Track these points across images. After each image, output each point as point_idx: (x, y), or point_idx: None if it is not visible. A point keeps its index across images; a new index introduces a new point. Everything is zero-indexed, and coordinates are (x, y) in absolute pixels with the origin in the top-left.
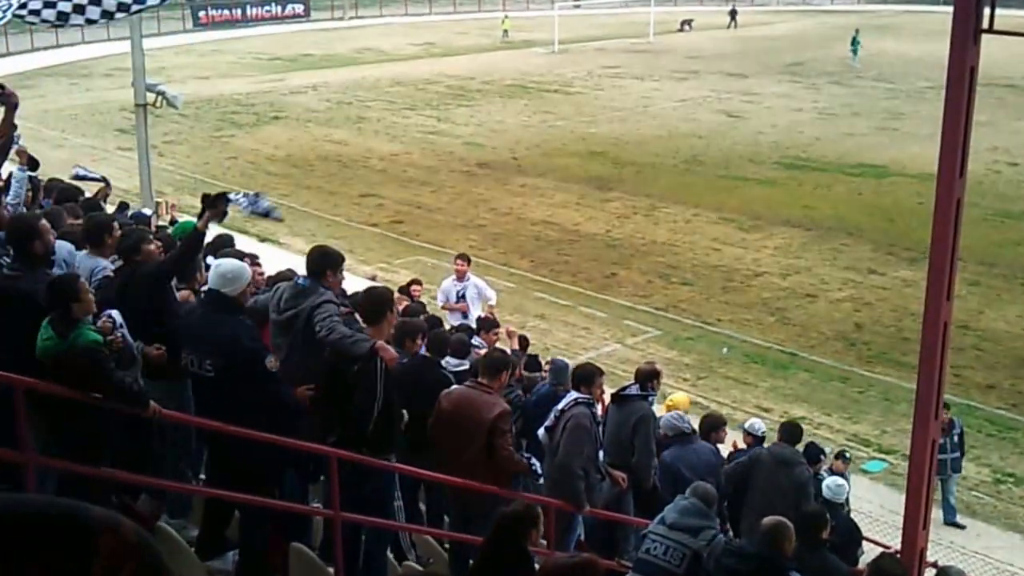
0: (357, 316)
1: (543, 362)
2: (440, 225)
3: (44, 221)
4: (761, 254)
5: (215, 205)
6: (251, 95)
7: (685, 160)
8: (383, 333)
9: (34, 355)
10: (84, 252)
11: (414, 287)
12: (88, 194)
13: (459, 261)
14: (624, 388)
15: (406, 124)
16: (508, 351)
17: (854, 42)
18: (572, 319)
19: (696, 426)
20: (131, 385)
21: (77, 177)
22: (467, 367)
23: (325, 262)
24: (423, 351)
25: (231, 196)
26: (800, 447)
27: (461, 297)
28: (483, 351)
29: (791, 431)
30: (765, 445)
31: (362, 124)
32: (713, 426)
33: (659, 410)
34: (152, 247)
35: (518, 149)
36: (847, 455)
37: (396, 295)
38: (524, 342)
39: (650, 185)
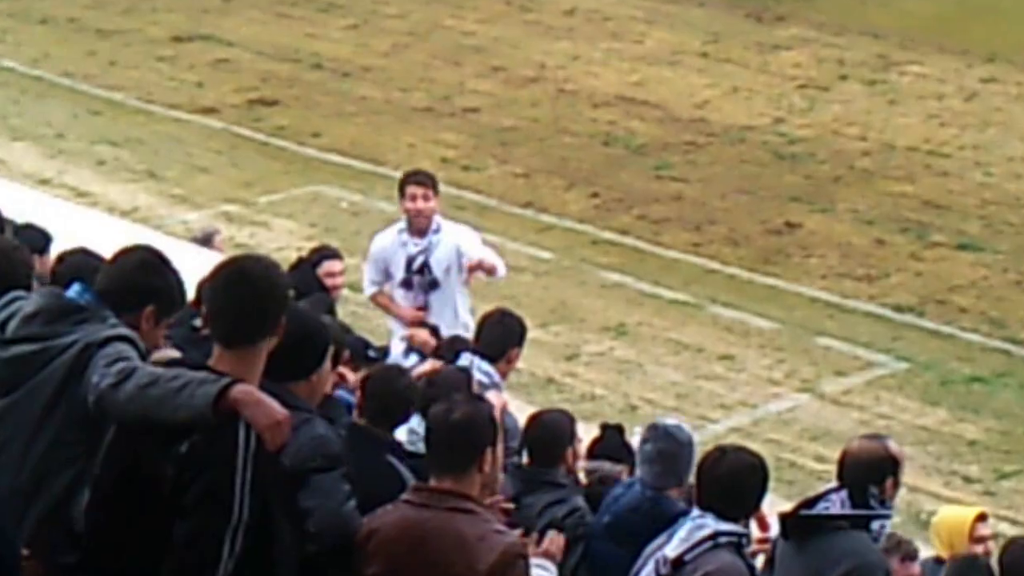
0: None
1: (632, 433)
2: (370, 109)
3: None
4: None
5: None
6: None
7: None
8: (254, 370)
9: None
10: None
11: (327, 267)
12: None
13: (414, 188)
14: (812, 500)
15: None
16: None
17: None
18: (692, 333)
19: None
20: None
21: None
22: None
23: (147, 290)
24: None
25: None
26: None
27: (420, 271)
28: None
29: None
30: None
31: None
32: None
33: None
34: None
35: None
36: None
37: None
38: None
39: (879, 7)
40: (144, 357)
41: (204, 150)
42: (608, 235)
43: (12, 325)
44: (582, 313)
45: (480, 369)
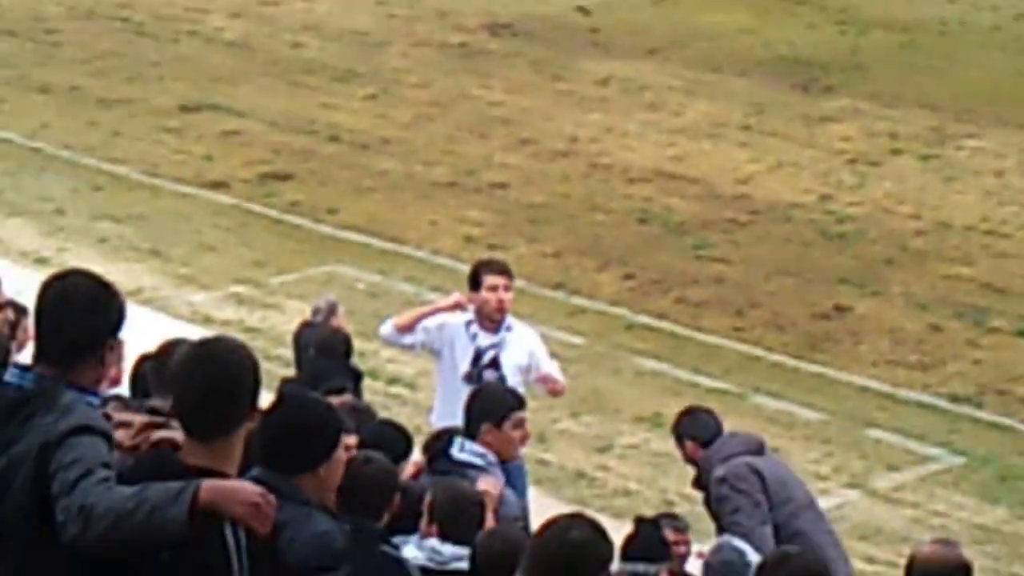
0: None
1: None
2: (389, 185)
3: None
4: None
5: None
6: None
7: (1022, 15)
8: (230, 460)
9: None
10: None
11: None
12: None
13: (493, 279)
14: None
15: None
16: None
17: None
18: (733, 423)
19: None
20: None
21: None
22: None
23: (92, 326)
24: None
25: None
26: None
27: (490, 366)
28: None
29: None
30: None
31: None
32: None
33: None
34: None
35: None
36: None
37: None
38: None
39: (935, 80)
40: (110, 437)
41: (212, 227)
42: (644, 319)
43: None
44: (616, 402)
45: (472, 451)
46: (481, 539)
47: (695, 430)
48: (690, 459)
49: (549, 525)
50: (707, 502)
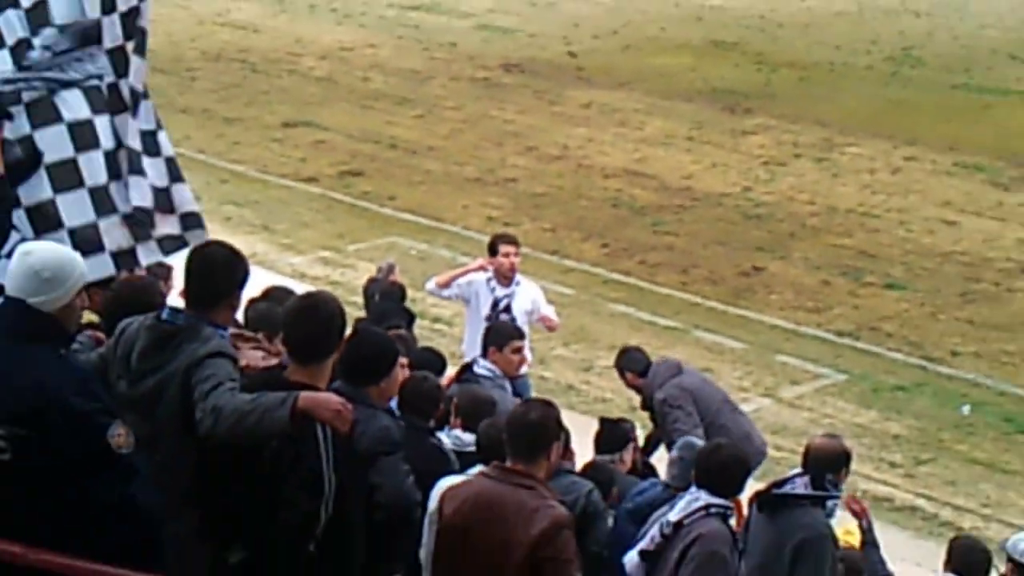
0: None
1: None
2: (433, 179)
3: None
4: None
5: None
6: None
7: (890, 58)
8: (323, 378)
9: None
10: None
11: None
12: None
13: (506, 248)
14: (781, 483)
15: None
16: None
17: None
18: (680, 352)
19: None
20: None
21: None
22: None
23: (225, 280)
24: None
25: None
26: None
27: (504, 311)
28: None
29: (965, 554)
30: None
31: None
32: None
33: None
34: None
35: (578, 38)
36: None
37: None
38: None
39: (824, 104)
40: (236, 360)
41: (306, 209)
42: (615, 276)
43: (134, 353)
44: (595, 335)
45: (486, 368)
46: (482, 427)
47: (631, 364)
48: (631, 385)
49: (516, 409)
50: (652, 418)
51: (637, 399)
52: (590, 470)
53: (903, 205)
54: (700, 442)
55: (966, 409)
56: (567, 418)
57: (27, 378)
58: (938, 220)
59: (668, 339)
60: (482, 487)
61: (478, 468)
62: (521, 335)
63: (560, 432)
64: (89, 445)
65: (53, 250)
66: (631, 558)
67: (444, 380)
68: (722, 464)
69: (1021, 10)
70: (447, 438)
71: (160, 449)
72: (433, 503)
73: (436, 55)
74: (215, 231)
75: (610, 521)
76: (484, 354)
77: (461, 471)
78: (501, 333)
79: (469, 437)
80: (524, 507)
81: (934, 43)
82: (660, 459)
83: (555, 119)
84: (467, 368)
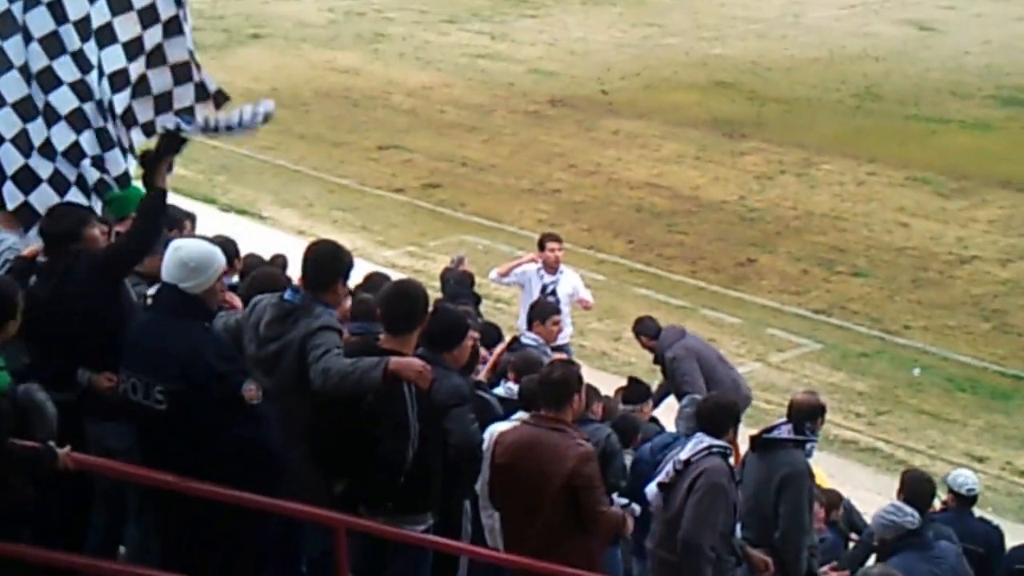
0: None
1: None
2: (495, 190)
3: None
4: (970, 230)
5: (171, 147)
6: (219, 4)
7: (856, 94)
8: (411, 346)
9: None
10: None
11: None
12: None
13: (552, 244)
14: (769, 429)
15: (444, 44)
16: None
17: None
18: (690, 325)
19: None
20: (38, 450)
21: None
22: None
23: (334, 269)
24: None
25: (184, 122)
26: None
27: (551, 294)
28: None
29: (914, 485)
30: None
31: (380, 44)
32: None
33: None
34: (96, 231)
35: (609, 79)
36: None
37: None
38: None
39: (804, 131)
40: (340, 332)
41: (396, 214)
42: (638, 266)
43: (262, 324)
44: (622, 313)
45: (531, 338)
46: (523, 382)
47: (645, 330)
48: (646, 347)
49: (544, 369)
50: (663, 372)
51: (651, 359)
52: (619, 419)
53: (866, 211)
54: (698, 399)
55: (916, 371)
56: (601, 378)
57: (179, 346)
58: (894, 222)
59: (680, 316)
60: (524, 432)
61: (520, 414)
62: (558, 311)
63: (580, 385)
64: (227, 398)
65: (198, 245)
66: (651, 488)
67: (499, 348)
68: (712, 411)
69: (958, 57)
70: (502, 389)
71: (281, 400)
72: (486, 445)
73: (497, 93)
74: (326, 231)
75: (629, 459)
76: (529, 327)
77: (508, 415)
78: (543, 310)
79: (514, 388)
80: (558, 446)
81: (890, 83)
82: (670, 407)
83: (590, 143)
84: (515, 340)
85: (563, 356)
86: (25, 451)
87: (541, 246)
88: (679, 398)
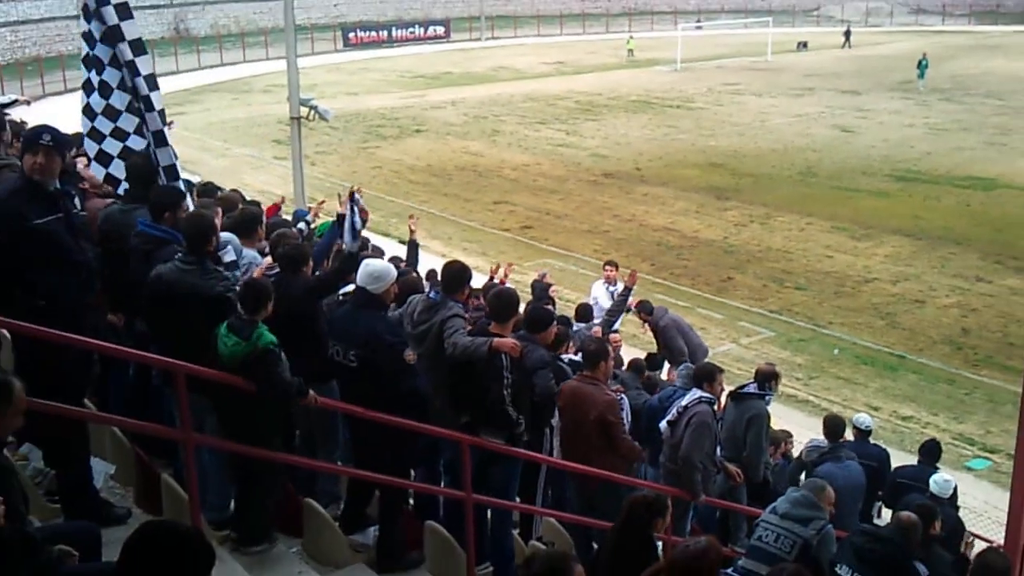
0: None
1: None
2: (567, 230)
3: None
4: (872, 261)
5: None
6: (395, 109)
7: (800, 172)
8: (508, 330)
9: (196, 342)
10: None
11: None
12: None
13: (608, 267)
14: (743, 387)
15: (537, 137)
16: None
17: (920, 65)
18: (690, 320)
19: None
20: (294, 383)
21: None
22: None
23: (462, 278)
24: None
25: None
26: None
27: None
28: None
29: (831, 424)
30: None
31: (496, 137)
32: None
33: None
34: (307, 267)
35: (641, 160)
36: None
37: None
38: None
39: (766, 195)
40: (465, 318)
41: (504, 244)
42: (658, 280)
43: (415, 313)
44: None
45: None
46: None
47: (644, 308)
48: (643, 320)
49: (583, 342)
50: (655, 336)
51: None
52: (645, 378)
53: (805, 247)
54: (693, 366)
55: (836, 351)
56: (632, 352)
57: (365, 326)
58: (823, 255)
59: (683, 311)
60: (574, 386)
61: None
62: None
63: (608, 353)
64: (395, 359)
65: (380, 264)
66: (663, 426)
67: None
68: (698, 373)
69: (868, 149)
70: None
71: (428, 362)
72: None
73: (570, 168)
74: (458, 256)
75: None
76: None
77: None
78: (585, 311)
79: (579, 358)
80: (593, 395)
81: (823, 166)
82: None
83: (629, 201)
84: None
85: (598, 332)
86: (292, 383)
87: (603, 269)
88: (669, 359)
